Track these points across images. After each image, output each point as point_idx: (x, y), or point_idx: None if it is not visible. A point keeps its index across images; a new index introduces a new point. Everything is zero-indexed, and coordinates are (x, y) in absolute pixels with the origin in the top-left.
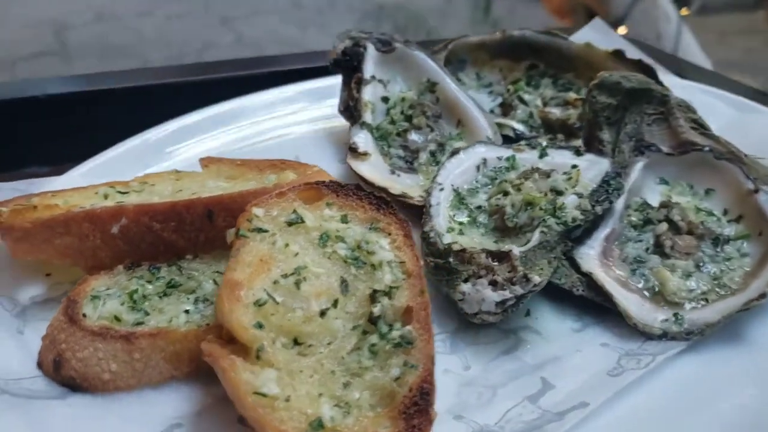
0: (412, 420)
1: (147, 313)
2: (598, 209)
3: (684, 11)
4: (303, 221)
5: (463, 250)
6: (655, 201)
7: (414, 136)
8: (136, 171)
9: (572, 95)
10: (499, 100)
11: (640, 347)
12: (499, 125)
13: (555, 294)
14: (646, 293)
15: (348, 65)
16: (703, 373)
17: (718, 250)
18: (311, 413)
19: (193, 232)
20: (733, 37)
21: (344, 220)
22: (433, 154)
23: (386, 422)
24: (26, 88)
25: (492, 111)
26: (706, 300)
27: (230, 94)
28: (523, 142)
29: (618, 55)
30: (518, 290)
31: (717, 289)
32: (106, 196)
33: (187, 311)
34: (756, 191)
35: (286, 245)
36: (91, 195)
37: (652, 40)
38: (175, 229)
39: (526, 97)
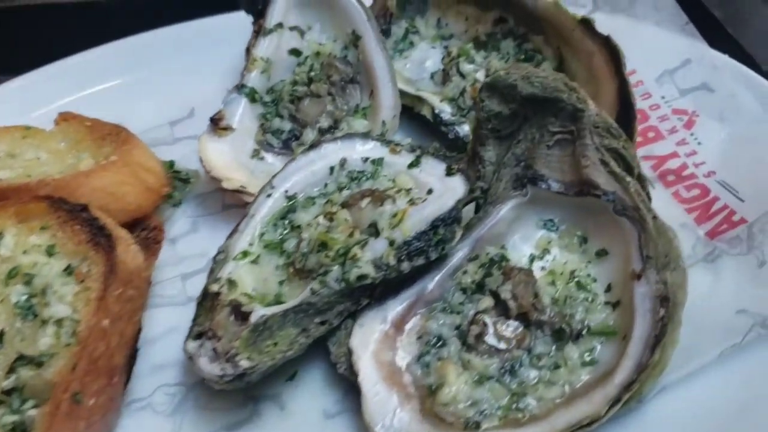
0: None
1: None
2: (405, 266)
3: None
4: None
5: (217, 294)
6: (523, 252)
7: (308, 106)
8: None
9: None
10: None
11: None
12: (420, 100)
13: None
14: (414, 391)
15: (254, 8)
16: None
17: (555, 348)
18: None
19: None
20: None
21: (51, 251)
22: (323, 132)
23: None
24: None
25: (432, 77)
26: (478, 425)
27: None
28: (405, 142)
29: (586, 24)
30: (229, 369)
31: (505, 413)
32: None
33: None
34: (639, 276)
35: None
36: None
37: None
38: None
39: (466, 67)
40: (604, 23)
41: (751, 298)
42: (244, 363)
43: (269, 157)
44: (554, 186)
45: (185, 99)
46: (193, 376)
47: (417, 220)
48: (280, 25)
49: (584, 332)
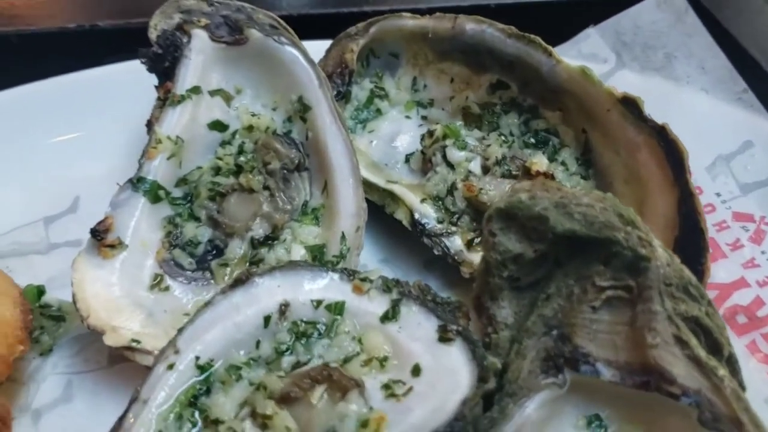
0: None
1: None
2: None
3: None
4: None
5: None
6: None
7: (235, 206)
8: None
9: (540, 162)
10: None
11: None
12: (393, 197)
13: None
14: None
15: (159, 65)
16: None
17: None
18: None
19: None
20: None
21: None
22: (255, 245)
23: None
24: None
25: (408, 160)
26: None
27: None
28: (375, 275)
29: (630, 105)
30: None
31: None
32: None
33: None
34: None
35: None
36: None
37: None
38: None
39: (455, 155)
40: (631, 85)
41: None
42: None
43: (177, 287)
44: (605, 373)
45: (68, 184)
46: None
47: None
48: (196, 90)
49: None
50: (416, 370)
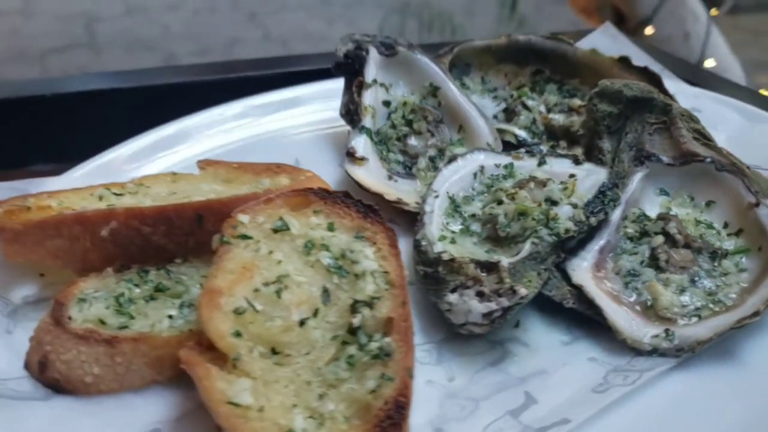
0: None
1: (132, 317)
2: (593, 220)
3: (714, 12)
4: (288, 228)
5: (452, 260)
6: (653, 212)
7: (414, 141)
8: (135, 172)
9: (576, 102)
10: (503, 105)
11: (629, 363)
12: (501, 131)
13: (545, 306)
14: (637, 307)
15: (350, 69)
16: (691, 391)
17: (716, 264)
18: (284, 424)
19: (183, 236)
20: (766, 37)
21: (330, 228)
22: (432, 159)
23: None
24: (33, 87)
25: (495, 117)
26: (699, 316)
27: (253, 93)
28: (522, 150)
29: (624, 62)
30: (504, 302)
31: (711, 305)
32: (100, 198)
33: (170, 316)
34: (757, 204)
35: (270, 253)
36: (86, 196)
37: (680, 40)
38: (165, 233)
39: (530, 103)
40: None
41: None
42: (522, 291)
43: (401, 180)
44: (664, 159)
45: (288, 150)
46: (438, 333)
47: (585, 189)
48: (374, 82)
49: (726, 255)
50: (572, 176)
